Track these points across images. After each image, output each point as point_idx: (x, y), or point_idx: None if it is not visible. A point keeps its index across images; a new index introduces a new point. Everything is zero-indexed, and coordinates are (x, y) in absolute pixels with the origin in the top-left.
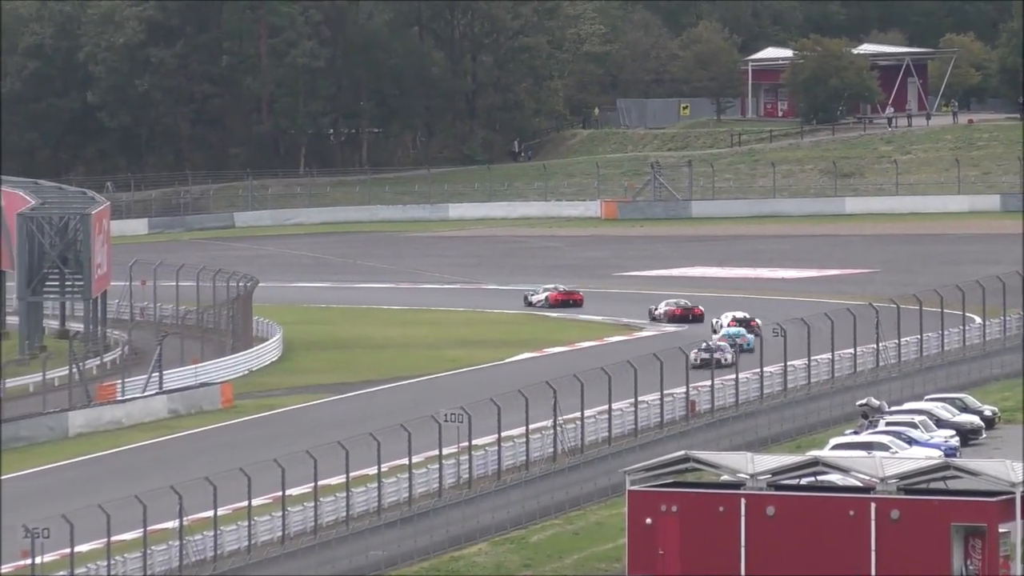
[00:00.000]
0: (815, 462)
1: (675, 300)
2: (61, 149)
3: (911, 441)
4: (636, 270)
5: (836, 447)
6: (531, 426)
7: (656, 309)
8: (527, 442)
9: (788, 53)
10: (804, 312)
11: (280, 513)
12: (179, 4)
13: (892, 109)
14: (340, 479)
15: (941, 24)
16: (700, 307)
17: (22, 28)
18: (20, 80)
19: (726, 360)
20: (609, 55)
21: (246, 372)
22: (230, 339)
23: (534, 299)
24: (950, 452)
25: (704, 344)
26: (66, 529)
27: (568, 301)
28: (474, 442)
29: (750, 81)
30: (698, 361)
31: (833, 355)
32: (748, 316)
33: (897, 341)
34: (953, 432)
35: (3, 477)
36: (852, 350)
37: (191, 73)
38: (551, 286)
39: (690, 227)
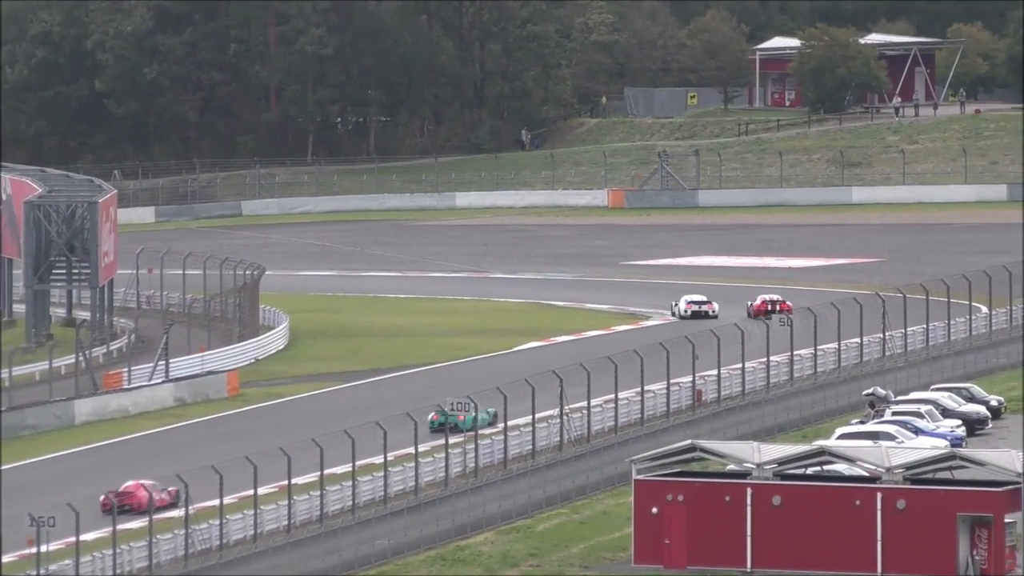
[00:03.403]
0: (821, 452)
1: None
2: (69, 137)
3: (917, 431)
4: (643, 259)
5: (842, 437)
6: (537, 415)
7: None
8: (533, 431)
9: (796, 43)
10: (811, 301)
11: (286, 502)
12: None
13: (899, 99)
14: (346, 468)
15: (948, 14)
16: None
17: (31, 16)
18: (28, 67)
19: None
20: (617, 44)
21: (252, 360)
22: (237, 327)
23: None
24: (956, 442)
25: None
26: (72, 517)
27: None
28: (480, 431)
29: (758, 70)
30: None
31: (840, 344)
32: (705, 298)
33: (904, 330)
34: (959, 422)
35: (9, 466)
36: (859, 339)
37: (199, 61)
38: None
39: (697, 216)
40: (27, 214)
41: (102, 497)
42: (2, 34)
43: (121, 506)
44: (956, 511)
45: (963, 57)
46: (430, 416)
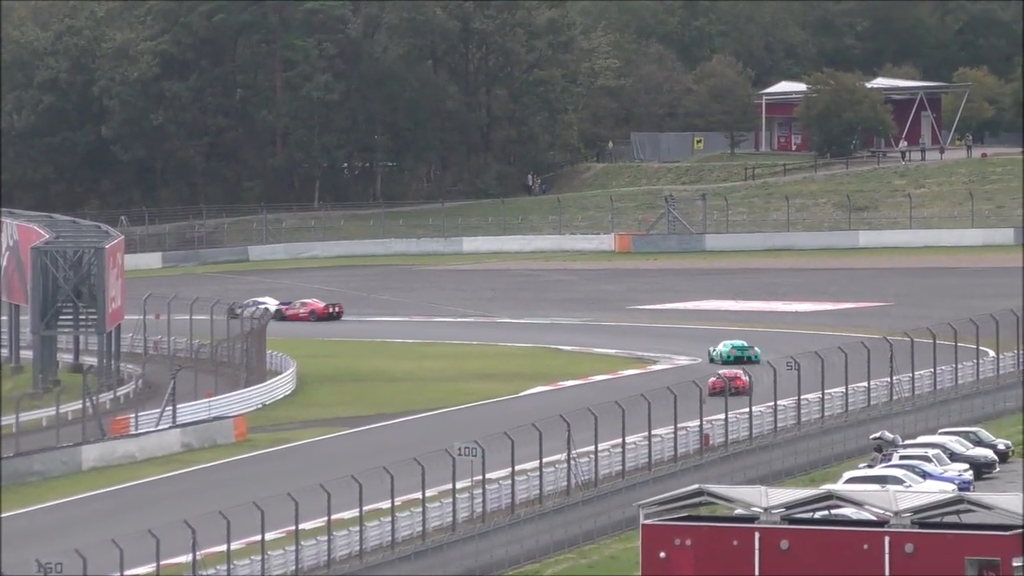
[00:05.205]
0: (829, 496)
1: None
2: (76, 183)
3: (925, 475)
4: (650, 303)
5: (850, 481)
6: (545, 460)
7: None
8: (541, 476)
9: (802, 87)
10: (818, 345)
11: (293, 547)
12: (193, 38)
13: (906, 143)
14: (353, 513)
15: (955, 58)
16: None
17: (37, 62)
18: (35, 114)
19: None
20: (623, 89)
21: (260, 406)
22: (244, 372)
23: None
24: (964, 486)
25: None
26: (79, 563)
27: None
28: (488, 476)
29: (764, 115)
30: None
31: (847, 388)
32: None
33: (911, 374)
34: (967, 466)
35: (16, 512)
36: (866, 383)
37: (205, 106)
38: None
39: (704, 260)
40: (34, 260)
41: (712, 379)
42: (3, 77)
43: (731, 388)
44: (964, 555)
45: (969, 101)
46: (727, 350)
